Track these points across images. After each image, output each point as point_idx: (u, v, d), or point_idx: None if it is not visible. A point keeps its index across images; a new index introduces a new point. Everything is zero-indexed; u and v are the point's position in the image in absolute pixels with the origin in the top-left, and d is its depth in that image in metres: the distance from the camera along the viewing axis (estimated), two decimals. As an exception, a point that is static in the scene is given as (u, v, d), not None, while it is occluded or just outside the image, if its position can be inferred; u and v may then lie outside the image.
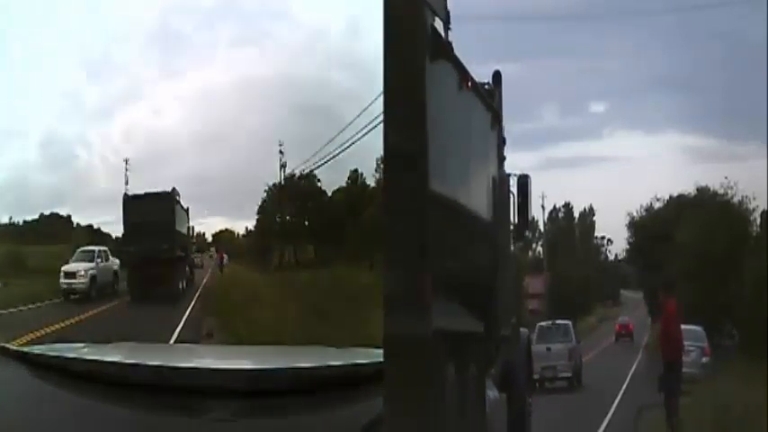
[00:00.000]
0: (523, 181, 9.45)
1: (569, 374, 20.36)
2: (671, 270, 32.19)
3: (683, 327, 23.02)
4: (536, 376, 16.30)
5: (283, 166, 26.77)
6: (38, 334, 15.32)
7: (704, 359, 21.84)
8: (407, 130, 5.48)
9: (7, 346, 4.07)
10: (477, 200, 7.39)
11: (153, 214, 17.89)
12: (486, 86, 8.09)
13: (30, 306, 20.33)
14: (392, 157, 5.52)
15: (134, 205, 18.20)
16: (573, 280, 45.62)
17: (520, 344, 9.71)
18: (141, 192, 18.26)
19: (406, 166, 5.46)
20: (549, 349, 19.90)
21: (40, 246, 25.96)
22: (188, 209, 21.14)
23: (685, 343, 22.16)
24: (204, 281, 27.40)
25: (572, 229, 63.30)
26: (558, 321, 22.40)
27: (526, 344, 10.29)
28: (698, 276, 29.56)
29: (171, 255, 17.92)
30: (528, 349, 10.35)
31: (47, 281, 22.49)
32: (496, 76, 8.61)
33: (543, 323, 21.89)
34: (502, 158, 8.53)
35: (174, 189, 18.63)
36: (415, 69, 5.58)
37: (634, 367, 22.82)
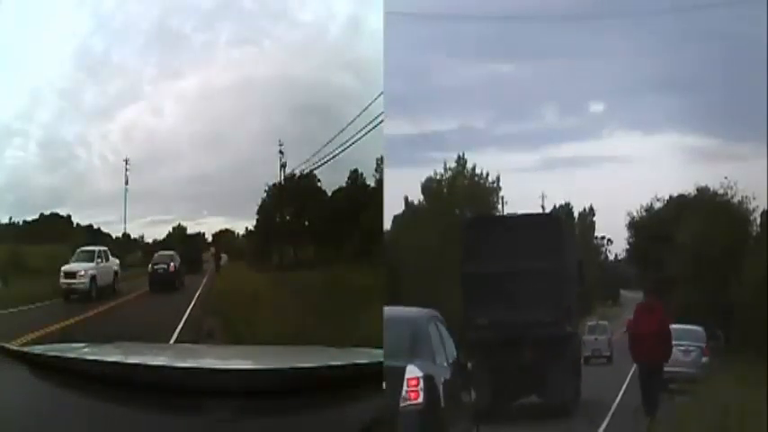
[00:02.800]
0: (580, 261, 18.82)
1: (608, 354, 31.16)
2: (670, 270, 32.23)
3: (683, 327, 23.06)
4: (588, 354, 28.60)
5: (283, 166, 26.77)
6: (38, 334, 15.31)
7: (704, 359, 21.88)
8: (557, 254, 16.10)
9: (7, 346, 4.07)
10: (573, 271, 17.26)
11: (194, 242, 29.93)
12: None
13: (30, 306, 20.30)
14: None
15: (189, 237, 29.81)
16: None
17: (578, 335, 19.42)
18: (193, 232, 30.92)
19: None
20: (596, 339, 31.41)
21: (40, 246, 25.94)
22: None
23: (685, 343, 22.21)
24: (204, 280, 27.43)
25: (572, 229, 63.35)
26: (600, 322, 34.50)
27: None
28: (697, 276, 29.59)
29: (198, 257, 29.12)
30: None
31: (47, 281, 22.46)
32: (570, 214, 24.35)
33: (591, 323, 33.17)
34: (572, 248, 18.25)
35: (203, 233, 31.36)
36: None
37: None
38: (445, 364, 9.45)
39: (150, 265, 24.95)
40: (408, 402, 8.30)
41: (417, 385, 8.42)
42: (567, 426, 14.47)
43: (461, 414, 9.56)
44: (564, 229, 18.10)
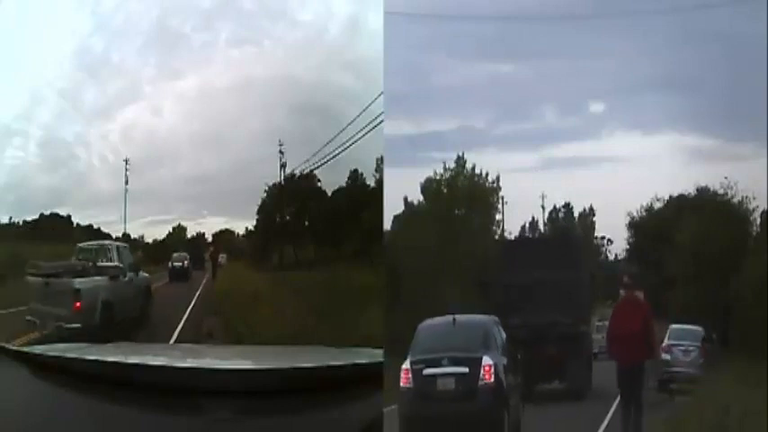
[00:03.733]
0: (592, 273, 22.22)
1: None
2: (670, 270, 32.19)
3: (683, 327, 22.99)
4: (596, 351, 28.52)
5: (283, 166, 26.74)
6: (38, 334, 15.30)
7: (704, 359, 21.83)
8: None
9: (7, 346, 4.07)
10: (587, 281, 21.21)
11: (196, 243, 31.13)
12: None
13: (30, 306, 20.29)
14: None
15: (193, 239, 31.35)
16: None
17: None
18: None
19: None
20: (603, 337, 38.17)
21: (40, 246, 25.92)
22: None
23: (685, 343, 22.13)
24: (204, 281, 27.45)
25: (572, 229, 63.21)
26: (607, 323, 37.95)
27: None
28: (697, 276, 29.56)
29: (201, 256, 30.50)
30: None
31: (47, 281, 22.44)
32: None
33: (598, 323, 34.61)
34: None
35: (203, 233, 32.40)
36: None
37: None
38: (502, 355, 12.79)
39: (170, 263, 29.48)
40: (484, 381, 12.09)
41: (490, 370, 12.11)
42: (583, 407, 17.48)
43: (514, 392, 12.93)
44: (580, 248, 24.58)
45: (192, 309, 20.74)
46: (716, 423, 11.21)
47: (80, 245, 19.36)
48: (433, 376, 12.27)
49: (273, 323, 15.70)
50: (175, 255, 29.76)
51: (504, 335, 13.36)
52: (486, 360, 12.20)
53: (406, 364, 12.35)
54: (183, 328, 17.21)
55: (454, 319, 12.97)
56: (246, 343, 13.18)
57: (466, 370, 12.14)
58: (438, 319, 13.62)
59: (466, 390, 12.08)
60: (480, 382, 12.05)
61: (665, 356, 22.37)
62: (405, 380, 12.29)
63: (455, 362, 12.25)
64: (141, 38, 26.84)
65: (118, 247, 19.17)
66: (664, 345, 22.92)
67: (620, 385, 11.96)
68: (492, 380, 12.07)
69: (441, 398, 12.18)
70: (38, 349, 4.15)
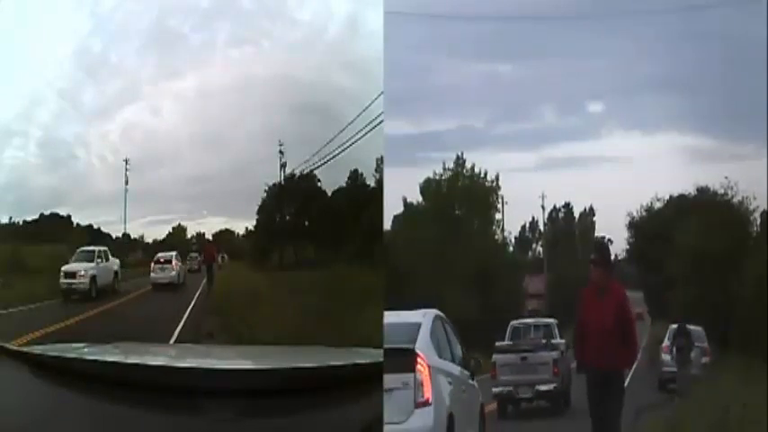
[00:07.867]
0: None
1: None
2: (670, 270, 32.17)
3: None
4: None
5: (283, 166, 26.73)
6: (38, 334, 15.30)
7: (704, 359, 21.78)
8: None
9: (7, 346, 4.07)
10: None
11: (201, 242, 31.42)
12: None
13: (30, 306, 20.29)
14: None
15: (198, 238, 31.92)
16: (573, 280, 45.66)
17: None
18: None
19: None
20: None
21: (40, 246, 25.93)
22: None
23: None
24: (203, 282, 27.39)
25: (572, 229, 63.28)
26: None
27: None
28: (697, 276, 29.58)
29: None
30: None
31: (47, 281, 22.44)
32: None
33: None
34: None
35: (203, 233, 32.43)
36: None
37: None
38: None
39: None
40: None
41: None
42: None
43: None
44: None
45: (191, 309, 20.78)
46: (716, 423, 11.21)
47: None
48: None
49: (273, 323, 15.68)
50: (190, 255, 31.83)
51: None
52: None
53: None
54: (182, 327, 17.21)
55: None
56: (246, 343, 13.16)
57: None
58: None
59: None
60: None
61: (665, 356, 22.38)
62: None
63: None
64: (140, 38, 26.83)
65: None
66: (664, 345, 22.93)
67: (590, 402, 9.00)
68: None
69: None
70: (38, 349, 4.15)
